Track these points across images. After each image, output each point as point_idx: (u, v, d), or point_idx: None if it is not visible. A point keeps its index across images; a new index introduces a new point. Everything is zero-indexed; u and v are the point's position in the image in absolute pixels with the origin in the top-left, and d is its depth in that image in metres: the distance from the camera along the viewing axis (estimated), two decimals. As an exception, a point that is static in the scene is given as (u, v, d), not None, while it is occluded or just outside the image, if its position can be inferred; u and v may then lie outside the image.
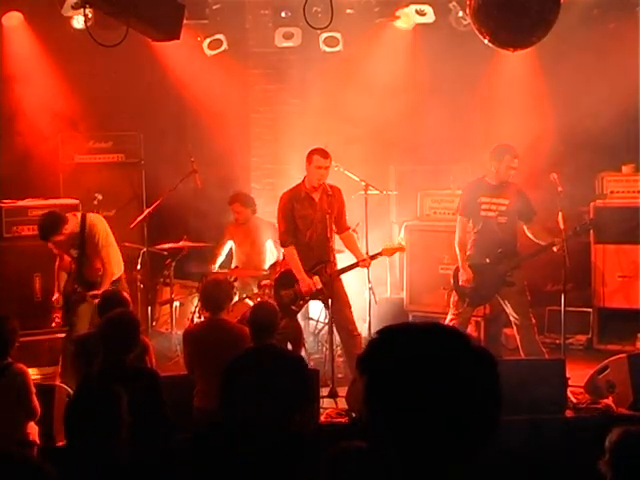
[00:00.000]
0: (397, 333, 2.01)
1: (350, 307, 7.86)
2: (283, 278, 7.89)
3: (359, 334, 7.89)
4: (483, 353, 2.00)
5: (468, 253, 7.95)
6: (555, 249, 7.58)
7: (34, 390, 5.64)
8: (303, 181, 7.82)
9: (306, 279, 7.70)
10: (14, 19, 9.58)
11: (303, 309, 8.32)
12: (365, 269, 8.17)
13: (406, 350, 1.96)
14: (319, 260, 7.74)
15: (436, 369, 1.92)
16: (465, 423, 1.92)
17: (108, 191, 8.54)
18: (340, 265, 7.94)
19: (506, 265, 7.77)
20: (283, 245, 7.91)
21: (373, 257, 7.98)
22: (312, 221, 7.74)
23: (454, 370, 1.93)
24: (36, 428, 5.66)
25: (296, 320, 8.15)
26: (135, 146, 10.10)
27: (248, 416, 5.04)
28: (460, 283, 7.86)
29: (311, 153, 7.71)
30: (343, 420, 6.79)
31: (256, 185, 10.39)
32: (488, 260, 7.79)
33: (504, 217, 7.85)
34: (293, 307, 7.84)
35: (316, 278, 7.74)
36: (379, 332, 1.99)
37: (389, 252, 8.19)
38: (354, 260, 7.92)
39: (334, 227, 7.81)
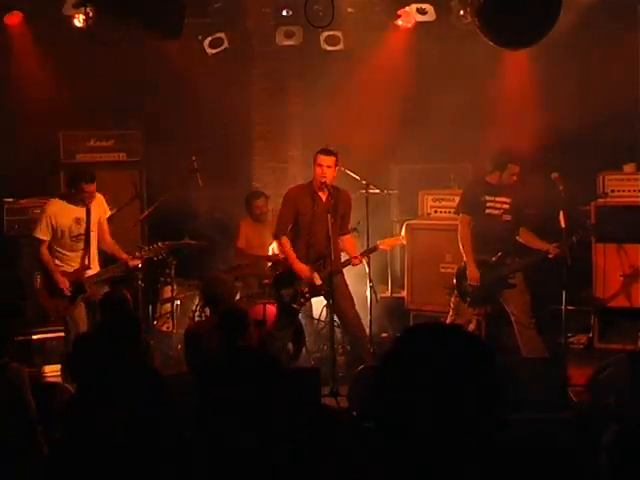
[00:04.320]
0: (410, 334, 2.04)
1: (354, 305, 7.87)
2: (282, 277, 7.91)
3: (363, 333, 7.90)
4: (486, 351, 2.02)
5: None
6: (550, 256, 7.65)
7: (30, 391, 5.64)
8: (311, 180, 7.87)
9: (302, 266, 7.74)
10: (15, 18, 9.58)
11: (305, 308, 8.33)
12: (366, 268, 8.20)
13: (416, 349, 1.99)
14: (318, 257, 7.75)
15: (442, 367, 1.95)
16: (468, 420, 1.93)
17: (109, 190, 8.52)
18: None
19: (509, 267, 7.80)
20: (275, 237, 8.04)
21: (369, 252, 8.06)
22: (315, 219, 7.76)
23: (459, 368, 1.95)
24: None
25: (297, 319, 8.16)
26: (136, 145, 10.11)
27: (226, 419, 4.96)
28: (468, 281, 7.85)
29: (316, 153, 7.77)
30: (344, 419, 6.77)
31: (258, 184, 10.39)
32: (494, 259, 7.79)
33: (508, 215, 7.88)
34: (294, 305, 7.84)
35: (315, 275, 7.76)
36: (401, 333, 2.06)
37: (387, 244, 8.20)
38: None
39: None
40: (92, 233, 7.91)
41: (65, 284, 7.71)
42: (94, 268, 7.96)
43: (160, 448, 4.48)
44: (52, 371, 7.95)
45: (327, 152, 7.73)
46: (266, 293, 8.58)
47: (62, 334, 8.20)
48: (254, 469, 2.80)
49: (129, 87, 10.04)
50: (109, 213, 8.15)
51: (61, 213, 7.79)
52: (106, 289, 7.86)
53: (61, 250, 7.83)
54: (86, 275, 7.86)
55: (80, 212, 7.85)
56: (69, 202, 7.84)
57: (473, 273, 7.83)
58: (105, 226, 8.08)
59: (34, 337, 8.40)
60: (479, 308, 8.11)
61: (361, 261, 7.95)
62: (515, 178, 7.87)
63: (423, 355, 1.98)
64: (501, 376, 2.03)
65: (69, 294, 7.75)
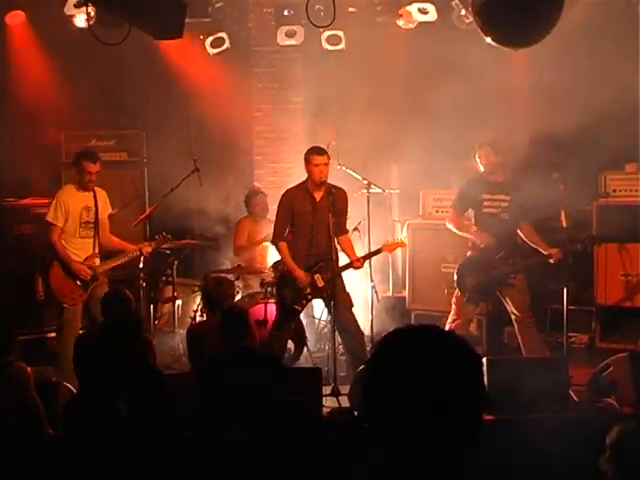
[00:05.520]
0: (394, 336, 2.06)
1: (352, 306, 7.86)
2: (285, 278, 7.87)
3: (361, 333, 7.89)
4: (468, 352, 2.03)
5: (469, 253, 8.01)
6: (552, 261, 7.65)
7: (34, 386, 5.67)
8: (306, 180, 7.84)
9: (300, 272, 7.72)
10: (17, 18, 9.60)
11: (306, 307, 8.33)
12: (367, 268, 8.19)
13: (398, 350, 2.01)
14: (320, 258, 7.74)
15: (423, 367, 1.96)
16: (449, 419, 1.95)
17: (111, 189, 8.54)
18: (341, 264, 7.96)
19: (511, 267, 7.79)
20: (273, 242, 7.98)
21: (372, 255, 8.06)
22: (313, 220, 7.74)
23: (439, 368, 1.97)
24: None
25: (298, 319, 8.16)
26: (138, 144, 10.12)
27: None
28: (481, 246, 7.85)
29: (307, 153, 7.77)
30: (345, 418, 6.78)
31: (259, 183, 10.39)
32: (496, 258, 7.79)
33: (506, 214, 7.87)
34: (296, 306, 7.83)
35: (317, 276, 7.75)
36: (385, 335, 2.09)
37: (389, 248, 8.23)
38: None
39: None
40: (100, 222, 8.04)
41: (87, 271, 7.82)
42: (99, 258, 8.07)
43: (161, 448, 4.48)
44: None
45: (320, 151, 7.73)
46: (267, 292, 8.57)
47: (49, 335, 8.29)
48: (255, 469, 2.80)
49: (130, 87, 10.06)
50: (110, 211, 8.20)
51: (72, 200, 7.94)
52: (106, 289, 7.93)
53: (69, 238, 7.92)
54: (96, 263, 7.94)
55: (89, 200, 8.00)
56: (78, 189, 7.99)
57: (481, 236, 7.85)
58: (106, 222, 8.18)
59: (48, 335, 8.48)
60: (479, 303, 8.07)
61: (362, 264, 7.92)
62: (492, 160, 7.87)
63: (407, 359, 1.99)
64: (482, 374, 2.05)
65: (89, 278, 7.83)
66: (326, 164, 7.69)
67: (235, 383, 3.60)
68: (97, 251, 8.00)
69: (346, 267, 7.90)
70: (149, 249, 8.13)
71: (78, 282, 7.84)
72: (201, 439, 2.96)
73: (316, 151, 7.73)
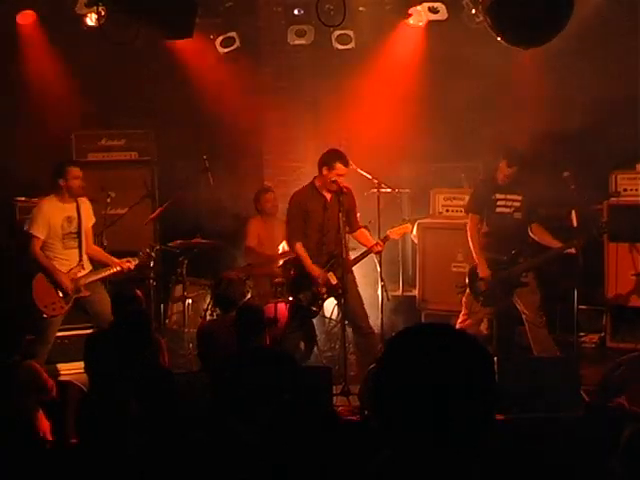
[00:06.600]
0: (405, 335, 2.07)
1: (363, 304, 7.86)
2: (299, 281, 7.84)
3: (372, 331, 7.88)
4: (480, 350, 2.03)
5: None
6: (574, 251, 7.62)
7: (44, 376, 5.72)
8: (313, 181, 7.82)
9: (319, 270, 7.70)
10: (28, 17, 9.63)
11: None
12: (378, 267, 8.18)
13: (409, 349, 2.01)
14: (331, 256, 7.74)
15: (435, 365, 1.97)
16: (459, 417, 1.95)
17: (121, 189, 8.56)
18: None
19: (522, 266, 7.80)
20: (289, 244, 7.94)
21: (383, 241, 7.98)
22: (324, 219, 7.74)
23: (451, 366, 1.97)
24: (47, 424, 5.68)
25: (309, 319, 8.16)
26: (148, 144, 10.14)
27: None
28: (479, 278, 7.86)
29: (332, 159, 7.64)
30: (355, 418, 6.78)
31: (269, 183, 10.39)
32: (506, 258, 7.80)
33: (519, 213, 7.88)
34: (313, 308, 7.83)
35: (331, 274, 7.74)
36: (396, 334, 2.10)
37: (396, 233, 8.10)
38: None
39: (347, 227, 7.81)
40: (83, 232, 7.90)
41: (68, 284, 7.73)
42: (87, 267, 7.96)
43: (170, 447, 4.49)
44: (67, 369, 8.02)
45: (346, 162, 7.65)
46: (277, 292, 8.57)
47: (79, 332, 8.26)
48: (268, 468, 2.81)
49: (140, 86, 10.07)
50: (93, 221, 8.08)
51: (54, 211, 7.77)
52: (100, 290, 7.91)
53: (53, 249, 7.79)
54: (79, 274, 7.86)
55: (71, 210, 7.84)
56: (60, 200, 7.80)
57: (483, 270, 7.84)
58: (90, 233, 8.05)
59: (57, 334, 8.44)
60: (491, 307, 8.09)
61: (383, 246, 7.87)
62: (508, 180, 7.86)
63: (418, 358, 1.99)
64: (494, 373, 2.05)
65: (71, 294, 7.77)
66: (344, 175, 7.68)
67: (252, 383, 3.61)
68: (82, 261, 7.90)
69: (365, 254, 7.88)
70: (132, 265, 8.01)
71: (60, 293, 7.73)
72: (217, 438, 2.97)
73: (343, 160, 7.62)
